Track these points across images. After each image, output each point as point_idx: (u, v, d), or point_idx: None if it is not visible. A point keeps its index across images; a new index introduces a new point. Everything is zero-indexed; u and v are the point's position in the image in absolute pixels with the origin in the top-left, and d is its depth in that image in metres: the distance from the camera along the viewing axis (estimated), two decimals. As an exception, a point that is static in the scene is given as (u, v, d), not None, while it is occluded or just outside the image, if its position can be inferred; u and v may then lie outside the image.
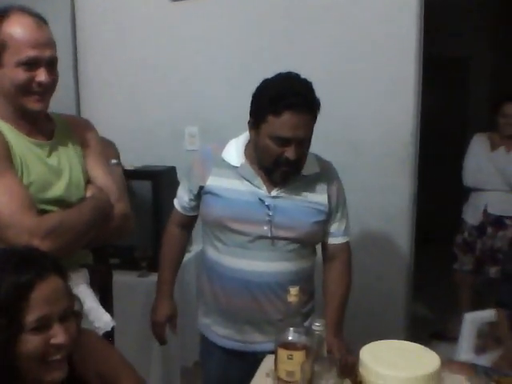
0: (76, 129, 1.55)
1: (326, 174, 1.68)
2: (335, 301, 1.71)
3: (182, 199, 1.76)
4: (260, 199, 1.60)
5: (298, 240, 1.63)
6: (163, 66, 2.72)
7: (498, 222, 3.16)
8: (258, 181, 1.62)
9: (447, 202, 4.91)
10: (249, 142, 1.67)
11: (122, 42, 2.76)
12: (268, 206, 1.60)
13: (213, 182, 1.64)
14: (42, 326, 0.99)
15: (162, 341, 1.85)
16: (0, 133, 1.34)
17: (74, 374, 1.06)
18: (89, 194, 1.48)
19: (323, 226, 1.67)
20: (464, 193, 3.37)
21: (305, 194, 1.63)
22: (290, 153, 1.51)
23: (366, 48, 2.41)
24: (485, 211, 3.18)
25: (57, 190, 1.41)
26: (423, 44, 2.40)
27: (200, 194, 1.69)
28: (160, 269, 1.84)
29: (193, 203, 1.74)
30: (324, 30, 2.45)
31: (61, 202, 1.41)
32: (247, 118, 1.63)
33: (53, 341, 1.00)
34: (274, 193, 1.62)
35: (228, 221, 1.62)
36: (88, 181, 1.51)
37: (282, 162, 1.54)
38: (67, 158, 1.47)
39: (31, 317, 0.98)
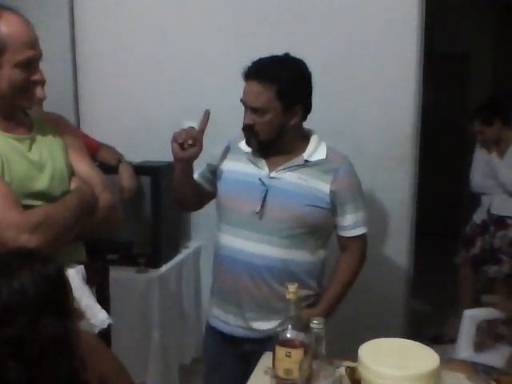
0: (53, 123, 1.55)
1: (336, 165, 1.68)
2: (332, 284, 1.73)
3: (202, 169, 1.86)
4: (260, 179, 1.67)
5: (291, 223, 1.64)
6: (162, 61, 2.70)
7: (500, 221, 3.20)
8: (262, 163, 1.69)
9: (447, 198, 4.93)
10: None
11: (122, 37, 2.74)
12: (265, 185, 1.65)
13: (226, 166, 1.77)
14: None
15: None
16: None
17: (76, 377, 1.05)
18: (73, 186, 1.48)
19: (323, 214, 1.67)
20: (469, 192, 3.48)
21: (305, 177, 1.66)
22: (245, 117, 1.66)
23: (366, 44, 2.39)
24: (488, 211, 3.25)
25: (40, 183, 1.41)
26: (424, 40, 2.38)
27: (215, 172, 1.80)
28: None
29: (207, 174, 1.84)
30: (324, 26, 2.43)
31: (45, 196, 1.40)
32: None
33: None
34: (273, 174, 1.68)
35: (228, 199, 1.73)
36: (72, 173, 1.51)
37: (243, 128, 1.67)
38: (49, 150, 1.47)
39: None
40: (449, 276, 3.49)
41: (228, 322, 1.74)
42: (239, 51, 2.56)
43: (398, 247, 2.48)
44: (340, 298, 1.74)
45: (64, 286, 1.01)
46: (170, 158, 2.54)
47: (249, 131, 1.66)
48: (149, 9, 2.68)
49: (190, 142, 1.66)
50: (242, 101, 1.67)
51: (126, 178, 2.25)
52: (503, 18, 4.73)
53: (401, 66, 2.36)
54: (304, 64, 1.68)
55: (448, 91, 5.17)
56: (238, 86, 2.60)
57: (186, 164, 1.73)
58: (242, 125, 1.70)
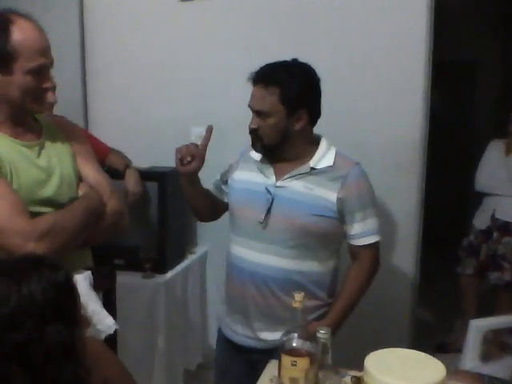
0: (62, 128, 1.55)
1: (344, 172, 1.66)
2: (339, 298, 1.71)
3: (215, 180, 1.91)
4: (266, 188, 1.67)
5: (295, 233, 1.63)
6: (171, 66, 2.71)
7: (505, 227, 3.15)
8: (270, 172, 1.70)
9: (454, 206, 4.91)
10: None
11: (131, 42, 2.76)
12: (270, 194, 1.65)
13: (236, 175, 1.79)
14: None
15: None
16: None
17: (83, 374, 1.06)
18: (81, 192, 1.48)
19: (330, 224, 1.65)
20: (473, 196, 3.38)
21: (311, 186, 1.64)
22: (251, 121, 1.68)
23: (374, 51, 2.39)
24: (492, 216, 3.18)
25: (48, 190, 1.41)
26: (433, 47, 2.38)
27: (227, 181, 1.84)
28: None
29: (219, 182, 1.89)
30: (332, 32, 2.43)
31: (53, 202, 1.41)
32: None
33: None
34: (279, 183, 1.67)
35: (236, 208, 1.75)
36: (80, 179, 1.51)
37: (249, 132, 1.69)
38: (57, 157, 1.47)
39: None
40: (453, 284, 3.47)
41: (236, 331, 1.75)
42: (248, 57, 2.56)
43: (404, 255, 2.47)
44: (349, 310, 1.70)
45: (72, 293, 1.02)
46: (177, 163, 2.58)
47: (254, 135, 1.68)
48: (158, 14, 2.70)
49: (188, 159, 1.69)
50: (248, 106, 1.69)
51: (131, 182, 2.26)
52: (511, 26, 4.72)
53: (409, 73, 2.35)
54: (311, 69, 1.67)
55: (455, 99, 5.17)
56: (246, 92, 2.61)
57: (188, 177, 1.75)
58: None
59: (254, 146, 1.71)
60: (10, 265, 1.00)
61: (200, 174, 1.81)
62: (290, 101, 1.61)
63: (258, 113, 1.65)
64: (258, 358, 1.63)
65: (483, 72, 5.14)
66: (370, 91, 2.42)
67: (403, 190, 2.43)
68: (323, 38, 2.43)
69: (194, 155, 1.69)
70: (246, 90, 2.53)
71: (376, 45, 2.38)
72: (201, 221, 2.12)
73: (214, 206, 1.89)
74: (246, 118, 2.23)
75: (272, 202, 1.65)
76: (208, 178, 2.10)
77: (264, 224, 1.65)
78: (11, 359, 0.92)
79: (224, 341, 1.81)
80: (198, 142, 1.74)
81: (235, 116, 2.61)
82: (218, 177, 1.90)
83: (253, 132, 1.68)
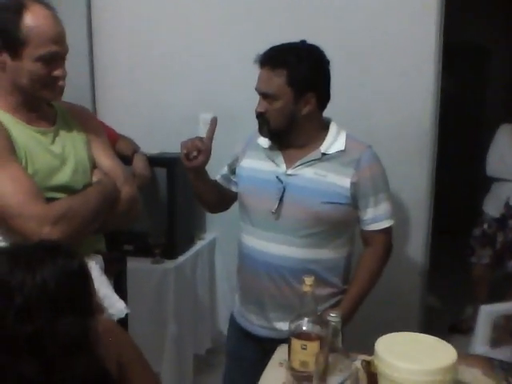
0: (77, 115, 1.55)
1: (357, 156, 1.62)
2: (352, 286, 1.69)
3: (222, 170, 1.88)
4: (277, 177, 1.64)
5: (308, 222, 1.60)
6: (179, 52, 2.70)
7: None
8: (280, 159, 1.66)
9: (464, 193, 4.87)
10: None
11: (138, 29, 2.74)
12: (282, 184, 1.62)
13: (245, 163, 1.75)
14: None
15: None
16: (0, 124, 1.34)
17: (96, 363, 1.06)
18: (95, 179, 1.49)
19: (343, 210, 1.62)
20: (484, 183, 3.32)
21: (323, 172, 1.61)
22: (258, 105, 1.64)
23: (383, 33, 2.36)
24: (507, 203, 3.12)
25: (63, 176, 1.42)
26: (443, 29, 2.34)
27: (235, 171, 1.81)
28: None
29: (228, 173, 1.86)
30: (341, 17, 2.40)
31: (67, 189, 1.41)
32: None
33: None
34: (289, 171, 1.64)
35: (246, 197, 1.71)
36: (94, 166, 1.51)
37: (256, 116, 1.65)
38: (72, 143, 1.47)
39: None
40: (462, 271, 3.45)
41: (251, 320, 1.74)
42: (254, 42, 2.52)
43: (414, 243, 2.46)
44: (363, 297, 1.69)
45: (86, 281, 1.01)
46: (185, 149, 2.58)
47: (261, 119, 1.64)
48: (164, 2, 2.68)
49: (194, 154, 1.65)
50: (255, 89, 1.65)
51: (139, 166, 2.26)
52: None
53: (419, 57, 2.33)
54: (320, 51, 1.63)
55: (466, 83, 5.10)
56: (253, 78, 2.59)
57: (195, 172, 1.71)
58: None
59: (261, 131, 1.67)
60: (25, 251, 0.99)
61: (209, 164, 1.79)
62: (297, 83, 1.57)
63: (264, 95, 1.61)
64: (272, 346, 1.58)
65: (495, 57, 5.07)
66: (379, 76, 2.39)
67: (413, 178, 2.41)
68: (332, 22, 2.40)
69: (199, 149, 1.65)
70: (254, 75, 2.53)
71: (386, 29, 2.36)
72: (210, 212, 2.11)
73: (223, 197, 1.87)
74: (254, 104, 2.19)
75: (284, 191, 1.62)
76: (217, 167, 2.11)
77: (277, 214, 1.62)
78: (23, 350, 0.92)
79: (237, 328, 1.80)
80: (206, 129, 1.72)
81: (244, 102, 2.58)
82: (226, 168, 1.87)
83: (259, 116, 1.64)
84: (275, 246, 1.63)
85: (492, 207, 3.21)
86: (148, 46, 2.74)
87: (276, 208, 1.61)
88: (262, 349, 1.67)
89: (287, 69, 1.57)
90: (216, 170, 1.89)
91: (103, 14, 2.78)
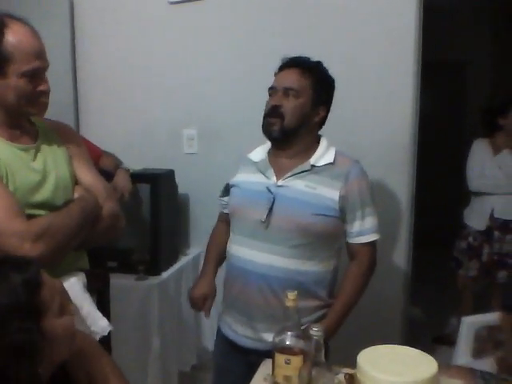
0: (59, 132, 1.56)
1: (346, 170, 1.66)
2: (338, 300, 1.70)
3: (223, 202, 1.89)
4: (267, 188, 1.66)
5: (297, 233, 1.62)
6: (162, 68, 2.72)
7: (506, 226, 3.15)
8: (270, 172, 1.70)
9: (445, 205, 4.94)
10: None
11: (121, 43, 2.76)
12: (272, 194, 1.65)
13: (237, 178, 1.79)
14: None
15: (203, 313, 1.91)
16: None
17: (65, 373, 1.06)
18: (76, 195, 1.48)
19: (332, 223, 1.65)
20: (464, 197, 3.36)
21: (313, 185, 1.64)
22: (272, 99, 1.68)
23: (364, 51, 2.40)
24: (491, 215, 3.16)
25: (44, 193, 1.42)
26: (422, 48, 2.40)
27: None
28: (206, 253, 1.95)
29: (227, 200, 1.86)
30: (321, 33, 2.44)
31: (48, 205, 1.41)
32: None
33: None
34: (280, 182, 1.67)
35: (238, 209, 1.74)
36: (75, 182, 1.52)
37: (267, 112, 1.69)
38: (53, 159, 1.48)
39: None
40: (445, 282, 3.48)
41: (236, 331, 1.74)
42: (239, 59, 2.59)
43: (396, 254, 2.49)
44: (348, 310, 1.70)
45: (36, 289, 0.97)
46: (169, 165, 2.59)
47: (275, 114, 1.66)
48: (148, 17, 2.70)
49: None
50: (271, 88, 1.71)
51: (120, 180, 2.25)
52: (502, 26, 4.76)
53: (398, 74, 2.37)
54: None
55: (445, 99, 5.21)
56: (237, 94, 2.63)
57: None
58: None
59: (270, 129, 1.67)
60: None
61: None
62: (319, 91, 1.68)
63: (286, 91, 1.66)
64: (258, 360, 1.57)
65: (473, 72, 5.18)
66: (359, 93, 2.43)
67: (394, 190, 2.44)
68: (312, 41, 2.44)
69: (205, 297, 1.84)
70: (239, 92, 2.56)
71: (365, 46, 2.40)
72: None
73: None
74: (238, 120, 2.22)
75: (274, 201, 1.64)
76: (200, 181, 2.12)
77: (266, 224, 1.64)
78: None
79: (223, 340, 1.80)
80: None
81: (228, 118, 2.63)
82: (225, 199, 1.86)
83: (274, 110, 1.66)
84: (264, 256, 1.65)
85: (476, 221, 3.23)
86: (131, 62, 2.76)
87: (266, 217, 1.63)
88: (248, 362, 1.67)
89: (315, 75, 1.68)
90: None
91: (87, 29, 2.80)
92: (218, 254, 1.89)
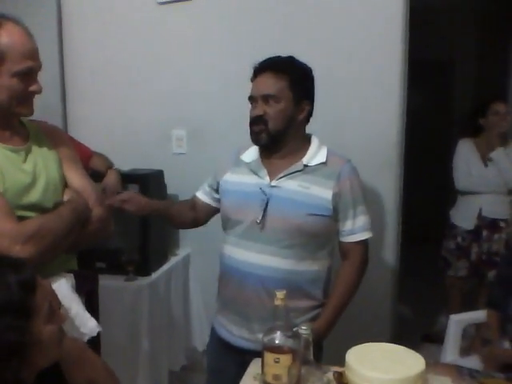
0: (49, 134, 1.56)
1: (338, 169, 1.67)
2: (331, 299, 1.71)
3: (203, 186, 1.92)
4: (261, 188, 1.67)
5: (292, 233, 1.63)
6: (150, 68, 2.71)
7: (493, 224, 3.17)
8: (263, 172, 1.70)
9: (433, 203, 4.98)
10: None
11: (109, 44, 2.75)
12: (266, 195, 1.65)
13: (228, 177, 1.78)
14: None
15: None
16: None
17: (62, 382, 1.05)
18: (66, 197, 1.48)
19: (325, 223, 1.66)
20: (451, 196, 3.39)
21: (306, 185, 1.65)
22: (254, 110, 1.68)
23: (351, 51, 2.41)
24: (479, 214, 3.18)
25: (34, 195, 1.41)
26: (408, 47, 2.42)
27: (217, 188, 1.84)
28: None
29: (208, 189, 1.89)
30: (308, 33, 2.45)
31: (38, 207, 1.41)
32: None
33: None
34: (273, 182, 1.67)
35: (231, 211, 1.73)
36: (65, 185, 1.52)
37: (251, 122, 1.69)
38: (43, 162, 1.47)
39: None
40: (433, 280, 3.50)
41: (231, 331, 1.74)
42: (228, 59, 2.59)
43: (385, 253, 2.50)
44: (342, 309, 1.70)
45: (24, 291, 0.97)
46: (158, 166, 2.59)
47: (259, 122, 1.67)
48: (137, 19, 2.70)
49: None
50: (250, 97, 1.70)
51: (109, 180, 2.24)
52: (487, 25, 4.80)
53: (385, 74, 2.39)
54: (308, 66, 1.74)
55: (432, 99, 5.25)
56: (226, 94, 2.63)
57: (141, 213, 1.88)
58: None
59: (258, 138, 1.68)
60: None
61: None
62: (297, 88, 1.66)
63: (265, 97, 1.65)
64: (250, 359, 1.57)
65: (460, 72, 5.23)
66: (346, 92, 2.44)
67: (382, 189, 2.46)
68: (299, 40, 2.45)
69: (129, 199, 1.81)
70: (228, 93, 2.56)
71: (352, 45, 2.41)
72: (190, 228, 2.12)
73: (194, 215, 1.91)
74: (227, 120, 2.20)
75: (267, 202, 1.64)
76: (189, 180, 2.12)
77: (261, 225, 1.64)
78: None
79: (217, 340, 1.80)
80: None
81: (217, 118, 2.63)
82: (207, 187, 1.90)
83: (257, 119, 1.66)
84: (259, 256, 1.65)
85: (463, 220, 3.24)
86: (120, 63, 2.75)
87: (260, 218, 1.64)
88: (243, 362, 1.65)
89: (289, 74, 1.65)
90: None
91: (74, 30, 2.78)
92: (172, 203, 2.00)
